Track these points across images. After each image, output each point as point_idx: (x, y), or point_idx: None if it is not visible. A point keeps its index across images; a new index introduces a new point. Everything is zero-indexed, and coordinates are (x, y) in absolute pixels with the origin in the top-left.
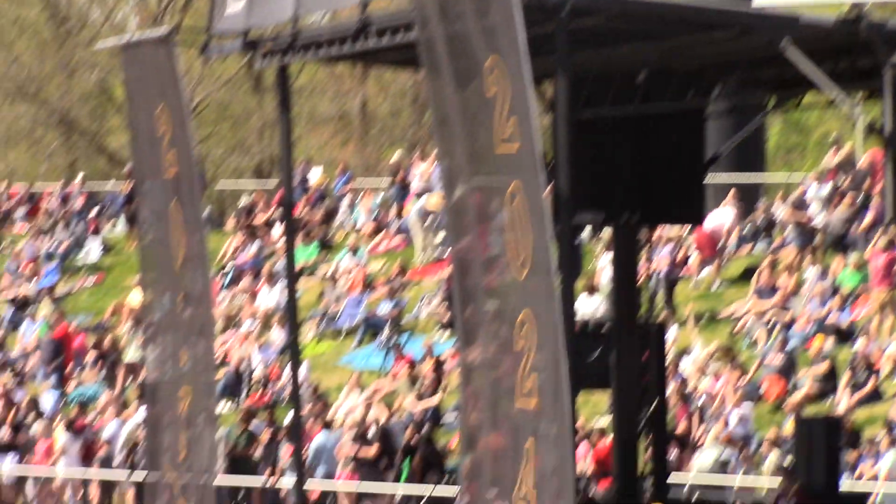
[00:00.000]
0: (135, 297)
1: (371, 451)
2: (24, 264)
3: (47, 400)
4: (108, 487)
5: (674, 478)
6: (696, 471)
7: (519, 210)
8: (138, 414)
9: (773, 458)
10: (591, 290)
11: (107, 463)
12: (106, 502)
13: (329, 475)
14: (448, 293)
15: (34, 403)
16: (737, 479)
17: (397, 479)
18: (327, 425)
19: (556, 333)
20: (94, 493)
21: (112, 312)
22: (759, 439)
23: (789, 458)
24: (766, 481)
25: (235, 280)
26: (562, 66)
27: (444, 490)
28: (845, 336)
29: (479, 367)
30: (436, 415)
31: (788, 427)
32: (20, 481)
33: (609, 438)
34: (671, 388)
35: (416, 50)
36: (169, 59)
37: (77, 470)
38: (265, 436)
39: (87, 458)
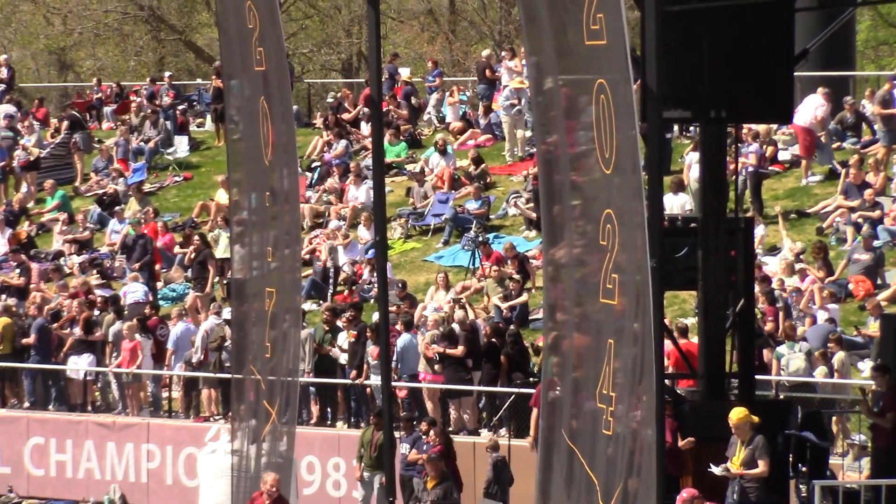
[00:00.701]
0: (223, 195)
1: (457, 350)
2: (112, 162)
3: (133, 298)
4: (191, 386)
5: (760, 377)
6: (783, 370)
7: (606, 106)
8: (225, 312)
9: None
10: (679, 187)
11: (191, 362)
12: (188, 402)
13: (415, 375)
14: (535, 191)
15: (120, 302)
16: (823, 378)
17: (482, 379)
18: (413, 325)
19: (641, 232)
20: (177, 392)
21: (200, 210)
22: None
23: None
24: (853, 380)
25: (323, 178)
26: None
27: (529, 389)
28: None
29: (565, 266)
30: (522, 314)
31: (874, 325)
32: (102, 381)
33: (695, 337)
34: (758, 287)
35: None
36: None
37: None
38: (351, 335)
39: (162, 358)
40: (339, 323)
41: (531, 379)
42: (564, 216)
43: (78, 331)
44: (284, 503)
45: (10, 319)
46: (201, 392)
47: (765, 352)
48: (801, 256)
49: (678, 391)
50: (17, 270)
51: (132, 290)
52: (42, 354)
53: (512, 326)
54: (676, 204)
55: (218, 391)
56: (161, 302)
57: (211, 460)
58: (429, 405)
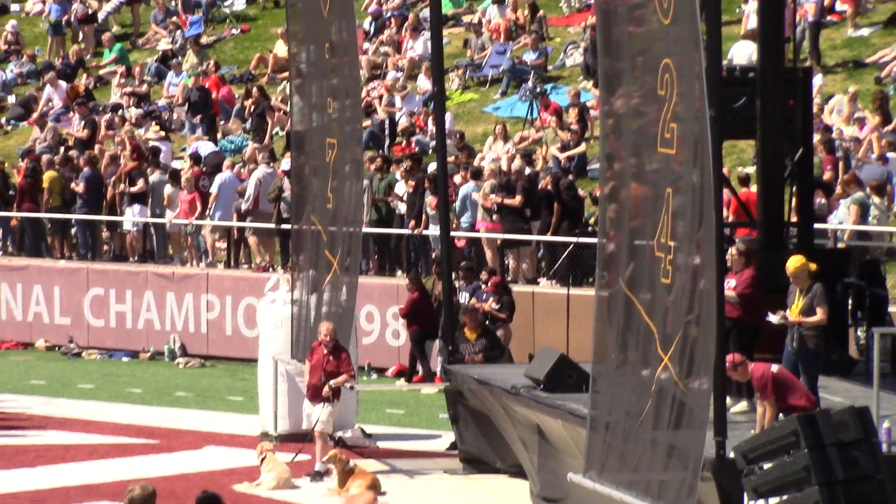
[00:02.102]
0: (281, 47)
1: (515, 200)
2: (169, 14)
3: (192, 150)
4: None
5: (818, 226)
6: (841, 219)
7: None
8: (284, 163)
9: None
10: (739, 37)
11: (251, 212)
12: (236, 251)
13: (473, 224)
14: (593, 41)
15: (179, 154)
16: (880, 227)
17: (540, 229)
18: (472, 175)
19: (699, 81)
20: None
21: (257, 62)
22: None
23: None
24: None
25: (381, 29)
26: None
27: (587, 239)
28: None
29: (623, 116)
30: (580, 164)
31: None
32: (158, 232)
33: (754, 186)
34: (817, 136)
35: None
36: None
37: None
38: (409, 186)
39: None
40: (398, 174)
41: (588, 229)
42: (622, 67)
43: (140, 183)
44: (343, 352)
45: (57, 173)
46: (249, 241)
47: (823, 201)
48: (860, 105)
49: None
50: (81, 123)
51: (201, 145)
52: (91, 206)
53: (570, 176)
54: (736, 53)
55: (273, 240)
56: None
57: (270, 310)
58: (487, 255)
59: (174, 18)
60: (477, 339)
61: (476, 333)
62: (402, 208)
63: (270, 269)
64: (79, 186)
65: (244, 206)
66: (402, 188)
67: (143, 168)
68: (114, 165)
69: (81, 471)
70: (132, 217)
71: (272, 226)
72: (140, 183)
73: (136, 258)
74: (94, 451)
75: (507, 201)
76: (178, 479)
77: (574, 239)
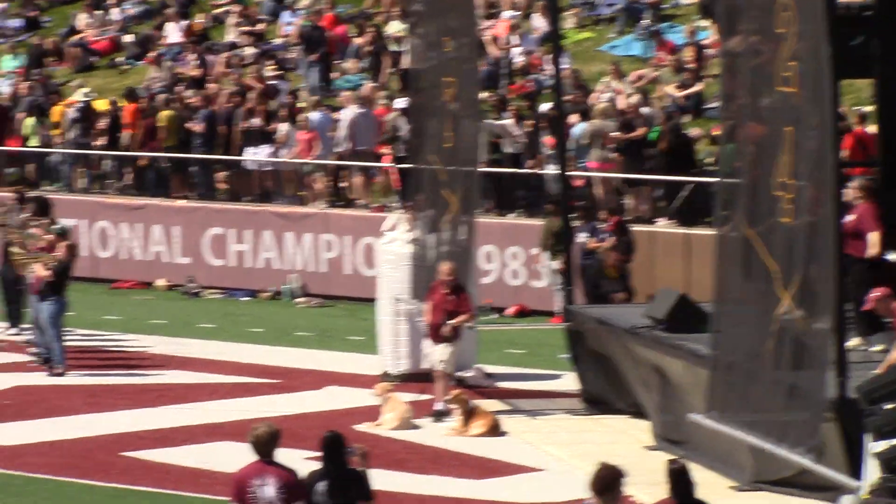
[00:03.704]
0: None
1: (629, 138)
2: None
3: (308, 90)
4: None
5: None
6: None
7: None
8: (401, 102)
9: None
10: None
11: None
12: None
13: (588, 164)
14: None
15: (295, 94)
16: None
17: (658, 168)
18: (588, 114)
19: (817, 19)
20: (357, 180)
21: (373, 1)
22: None
23: None
24: None
25: None
26: None
27: (706, 178)
28: None
29: (741, 55)
30: (697, 102)
31: None
32: (274, 172)
33: (872, 125)
34: None
35: None
36: None
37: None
38: (526, 125)
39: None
40: (510, 113)
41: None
42: (739, 4)
43: (257, 121)
44: (463, 292)
45: (174, 111)
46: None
47: None
48: None
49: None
50: (196, 62)
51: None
52: (208, 145)
53: (687, 116)
54: None
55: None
56: (338, 93)
57: (389, 250)
58: (604, 194)
59: None
60: (619, 278)
61: (618, 273)
62: (518, 148)
63: (387, 208)
64: (197, 126)
65: (341, 148)
66: (518, 128)
67: (263, 107)
68: (231, 104)
69: (204, 410)
70: (253, 156)
71: (386, 165)
72: (261, 122)
73: (255, 197)
74: (215, 390)
75: (623, 141)
76: (299, 418)
77: (692, 179)
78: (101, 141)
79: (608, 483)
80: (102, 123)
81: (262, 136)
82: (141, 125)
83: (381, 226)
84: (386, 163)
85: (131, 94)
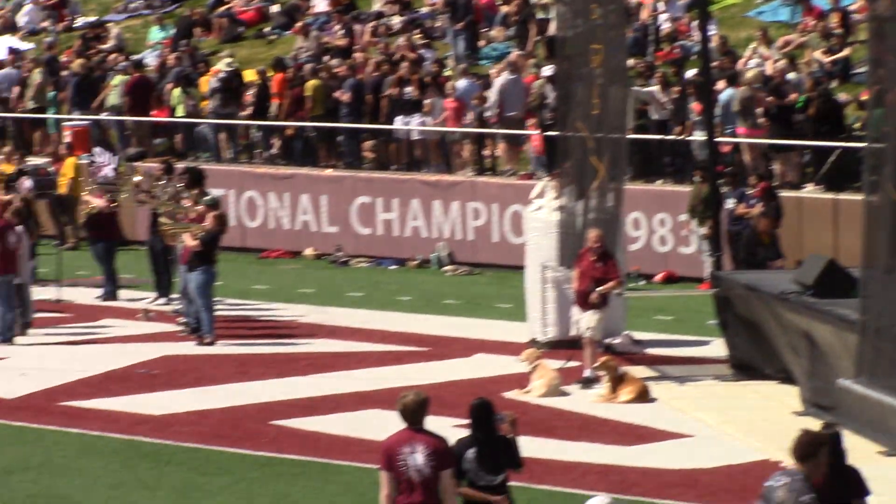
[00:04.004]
0: None
1: (777, 103)
2: None
3: (455, 58)
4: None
5: None
6: None
7: None
8: (548, 70)
9: None
10: None
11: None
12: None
13: (735, 130)
14: None
15: (442, 62)
16: None
17: (805, 133)
18: (735, 80)
19: None
20: (503, 147)
21: None
22: None
23: None
24: None
25: None
26: None
27: (853, 143)
28: None
29: (889, 20)
30: (844, 68)
31: None
32: (422, 140)
33: None
34: None
35: None
36: None
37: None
38: (674, 91)
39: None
40: (656, 80)
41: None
42: None
43: (408, 89)
44: (611, 258)
45: (320, 81)
46: (498, 148)
47: None
48: None
49: None
50: (343, 31)
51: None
52: (355, 115)
53: (835, 81)
54: None
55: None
56: (483, 61)
57: (537, 217)
58: (752, 160)
59: None
60: (770, 244)
61: (769, 238)
62: (665, 114)
63: (535, 176)
64: (344, 95)
65: (488, 114)
66: (663, 94)
67: (414, 76)
68: (378, 73)
69: (353, 378)
70: (401, 125)
71: (535, 132)
72: (410, 90)
73: (402, 166)
74: (364, 358)
75: (770, 106)
76: (448, 386)
77: (840, 144)
78: (248, 111)
79: (810, 449)
80: (250, 94)
81: (410, 105)
82: (288, 95)
83: (529, 193)
84: (531, 130)
85: (279, 64)
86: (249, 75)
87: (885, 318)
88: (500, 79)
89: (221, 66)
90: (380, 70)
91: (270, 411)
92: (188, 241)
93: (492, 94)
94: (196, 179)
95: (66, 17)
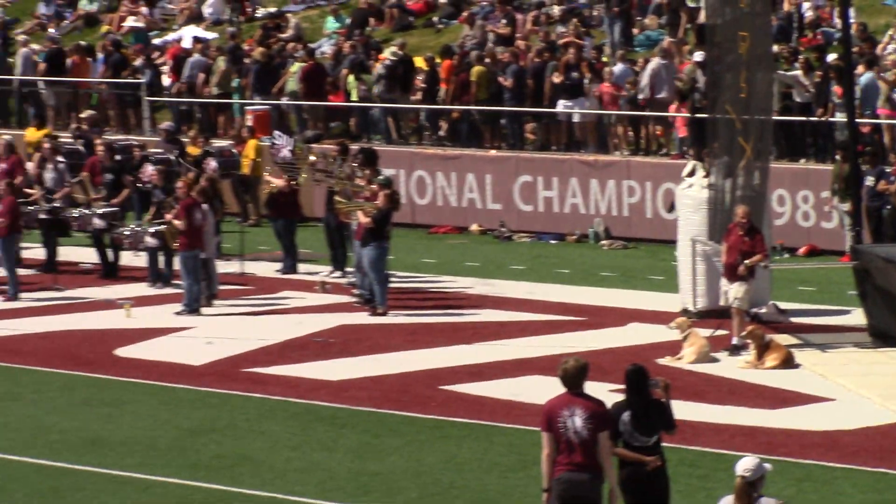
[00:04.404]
0: None
1: None
2: None
3: (610, 45)
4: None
5: None
6: None
7: None
8: (698, 55)
9: None
10: None
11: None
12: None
13: (876, 112)
14: None
15: (599, 49)
16: None
17: None
18: (874, 64)
19: None
20: (655, 128)
21: None
22: None
23: None
24: None
25: None
26: None
27: None
28: None
29: None
30: None
31: None
32: (580, 122)
33: None
34: None
35: None
36: None
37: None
38: (816, 76)
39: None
40: (800, 64)
41: None
42: None
43: (575, 75)
44: (757, 233)
45: (484, 67)
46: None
47: None
48: None
49: None
50: (505, 20)
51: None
52: (517, 99)
53: None
54: None
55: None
56: (637, 48)
57: (688, 194)
58: (892, 140)
59: None
60: None
61: None
62: (807, 97)
63: (685, 155)
64: (507, 80)
65: (640, 96)
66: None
67: (576, 61)
68: (540, 60)
69: (515, 346)
70: (564, 108)
71: (686, 115)
72: (573, 75)
73: (562, 147)
74: (526, 327)
75: None
76: (604, 353)
77: None
78: (418, 96)
79: None
80: (419, 79)
81: (570, 89)
82: (455, 80)
83: (680, 172)
84: (676, 113)
85: (446, 52)
86: (419, 62)
87: None
88: (652, 63)
89: (387, 53)
90: (541, 57)
91: (439, 377)
92: (361, 218)
93: (643, 78)
94: (370, 159)
95: (247, 7)
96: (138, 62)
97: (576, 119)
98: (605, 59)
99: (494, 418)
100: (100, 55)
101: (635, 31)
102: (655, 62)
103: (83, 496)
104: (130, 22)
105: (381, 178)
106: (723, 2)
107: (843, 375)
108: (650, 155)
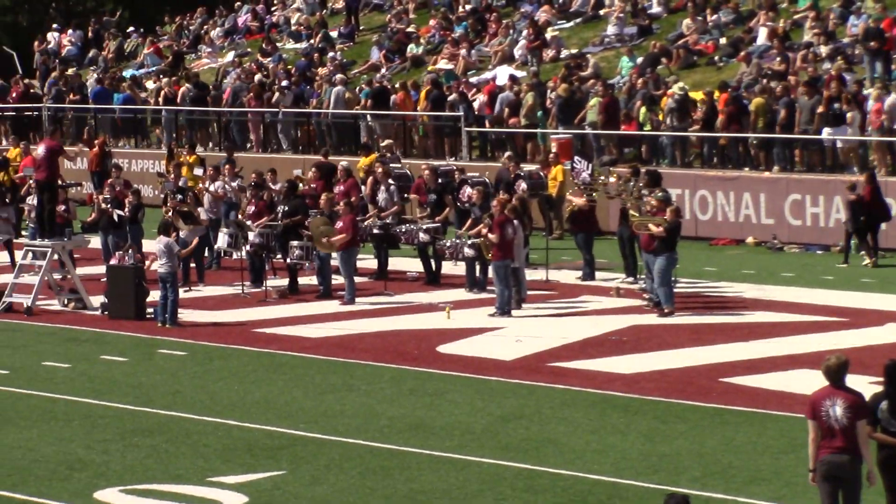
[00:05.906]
0: None
1: None
2: None
3: (870, 79)
4: None
5: None
6: None
7: None
8: None
9: None
10: None
11: None
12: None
13: None
14: None
15: (860, 83)
16: None
17: None
18: None
19: None
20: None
21: None
22: None
23: None
24: None
25: None
26: None
27: None
28: None
29: None
30: None
31: None
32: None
33: None
34: None
35: None
36: None
37: None
38: None
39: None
40: None
41: None
42: None
43: (837, 106)
44: None
45: (763, 99)
46: None
47: None
48: None
49: None
50: (779, 57)
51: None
52: (789, 127)
53: None
54: None
55: None
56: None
57: None
58: None
59: None
60: None
61: None
62: None
63: None
64: (780, 111)
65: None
66: None
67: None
68: (807, 93)
69: (785, 344)
70: (829, 135)
71: None
72: (836, 106)
73: (826, 169)
74: (795, 327)
75: None
76: (865, 350)
77: None
78: (699, 125)
79: None
80: (699, 111)
81: (835, 118)
82: (729, 111)
83: None
84: None
85: (723, 86)
86: (698, 96)
87: None
88: None
89: (675, 89)
90: (807, 91)
91: (719, 371)
92: (654, 230)
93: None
94: (654, 180)
95: (547, 51)
96: (451, 97)
97: (839, 145)
98: (867, 91)
99: (768, 407)
100: (412, 91)
101: (894, 66)
102: None
103: (409, 474)
104: (441, 64)
105: (660, 195)
106: None
107: None
108: None
